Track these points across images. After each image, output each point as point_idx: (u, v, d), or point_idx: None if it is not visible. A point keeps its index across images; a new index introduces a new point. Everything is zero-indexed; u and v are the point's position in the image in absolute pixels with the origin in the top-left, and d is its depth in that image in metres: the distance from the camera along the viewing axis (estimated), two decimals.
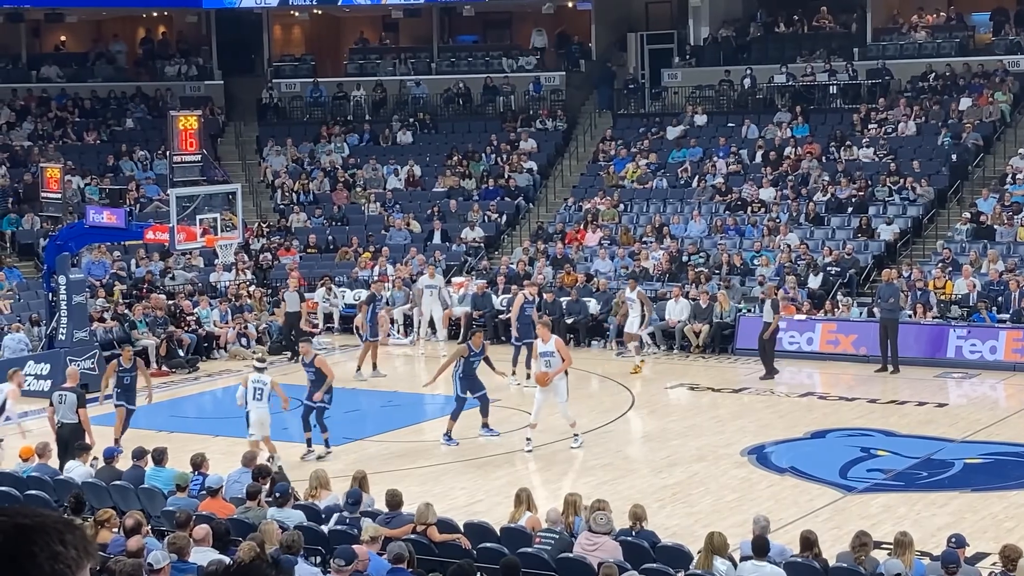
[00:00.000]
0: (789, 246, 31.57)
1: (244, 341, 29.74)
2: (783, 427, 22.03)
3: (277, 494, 14.24)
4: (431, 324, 31.09)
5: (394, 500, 14.10)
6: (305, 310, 29.71)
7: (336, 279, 33.09)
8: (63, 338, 25.86)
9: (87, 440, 18.19)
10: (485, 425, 21.22)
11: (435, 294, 30.74)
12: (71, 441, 18.14)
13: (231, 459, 17.29)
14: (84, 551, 2.73)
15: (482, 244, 35.66)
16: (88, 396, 19.82)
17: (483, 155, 39.60)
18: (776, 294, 26.58)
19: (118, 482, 15.75)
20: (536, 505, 14.44)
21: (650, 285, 31.11)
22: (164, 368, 28.05)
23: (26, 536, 2.67)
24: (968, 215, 32.08)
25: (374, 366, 26.80)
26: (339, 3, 43.18)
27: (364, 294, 31.21)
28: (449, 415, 21.02)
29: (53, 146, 38.59)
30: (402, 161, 39.50)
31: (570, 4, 43.47)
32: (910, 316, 27.51)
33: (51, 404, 19.19)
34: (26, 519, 2.71)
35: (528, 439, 20.39)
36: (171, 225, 24.76)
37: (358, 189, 38.82)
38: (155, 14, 45.95)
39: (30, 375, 25.90)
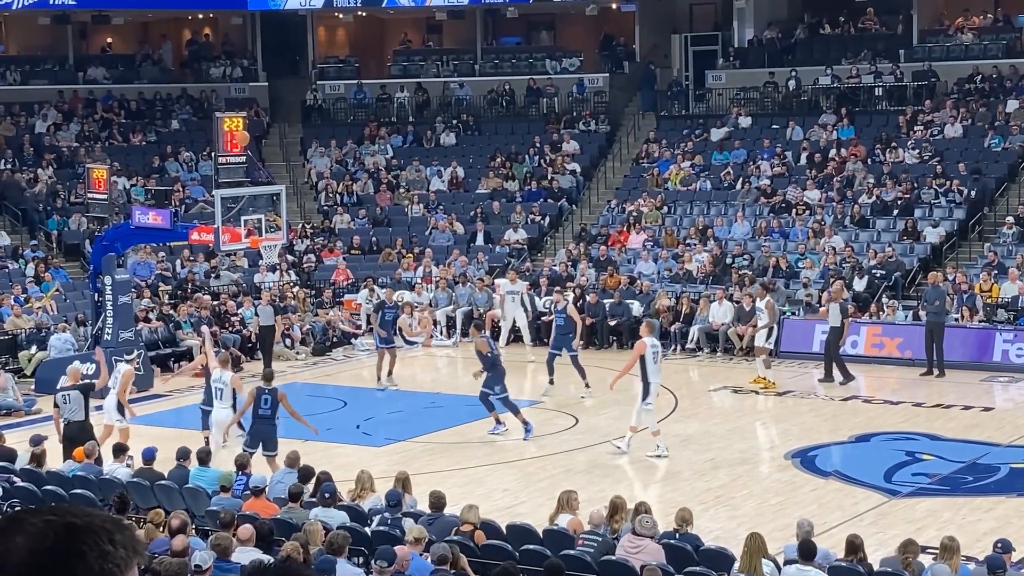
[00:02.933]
0: (834, 248, 31.40)
1: (288, 342, 29.81)
2: (827, 430, 21.92)
3: (326, 494, 14.29)
4: (513, 331, 30.18)
5: (438, 502, 14.12)
6: (280, 323, 29.20)
7: (379, 280, 33.13)
8: (108, 338, 26.01)
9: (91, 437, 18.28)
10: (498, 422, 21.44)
11: (518, 299, 29.72)
12: (79, 438, 18.21)
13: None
14: (133, 550, 2.74)
15: (525, 246, 35.65)
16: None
17: (526, 157, 39.59)
18: (842, 297, 26.32)
19: (163, 482, 15.84)
20: (577, 507, 14.38)
21: (693, 287, 31.03)
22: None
23: (76, 535, 2.68)
24: (1013, 219, 31.81)
25: (390, 373, 26.24)
26: (383, 5, 43.29)
27: (407, 295, 31.29)
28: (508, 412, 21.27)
29: (99, 147, 38.86)
30: (445, 163, 39.54)
31: (614, 5, 43.41)
32: (956, 320, 27.31)
33: (56, 405, 19.27)
34: (76, 518, 2.72)
35: (657, 446, 19.99)
36: (216, 226, 24.88)
37: (401, 190, 38.90)
38: (200, 16, 46.24)
39: None
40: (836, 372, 25.41)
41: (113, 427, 19.87)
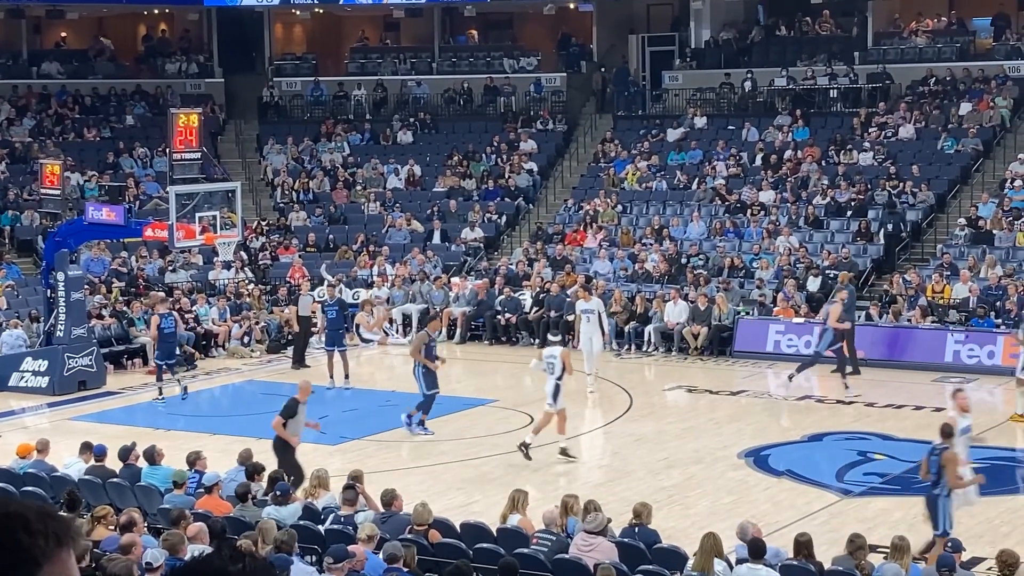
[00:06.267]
0: (788, 249, 31.57)
1: (246, 339, 29.74)
2: (780, 430, 22.02)
3: (277, 492, 14.24)
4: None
5: (391, 500, 14.09)
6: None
7: (337, 276, 33.02)
8: (61, 335, 25.84)
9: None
10: (417, 421, 21.35)
11: (593, 320, 25.37)
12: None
13: (228, 457, 17.29)
14: (57, 540, 2.68)
15: (482, 244, 35.64)
16: None
17: (483, 155, 39.59)
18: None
19: (114, 479, 15.73)
20: (526, 507, 14.30)
21: (649, 287, 31.10)
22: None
23: None
24: (964, 220, 32.04)
25: (346, 376, 25.82)
26: (340, 2, 43.18)
27: (363, 293, 31.22)
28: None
29: (53, 143, 38.57)
30: (402, 161, 39.48)
31: (571, 5, 43.45)
32: (909, 321, 27.51)
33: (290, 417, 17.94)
34: None
35: None
36: (170, 223, 24.77)
37: (358, 188, 38.81)
38: (156, 11, 45.92)
39: (27, 371, 25.93)
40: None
41: (552, 414, 19.91)
